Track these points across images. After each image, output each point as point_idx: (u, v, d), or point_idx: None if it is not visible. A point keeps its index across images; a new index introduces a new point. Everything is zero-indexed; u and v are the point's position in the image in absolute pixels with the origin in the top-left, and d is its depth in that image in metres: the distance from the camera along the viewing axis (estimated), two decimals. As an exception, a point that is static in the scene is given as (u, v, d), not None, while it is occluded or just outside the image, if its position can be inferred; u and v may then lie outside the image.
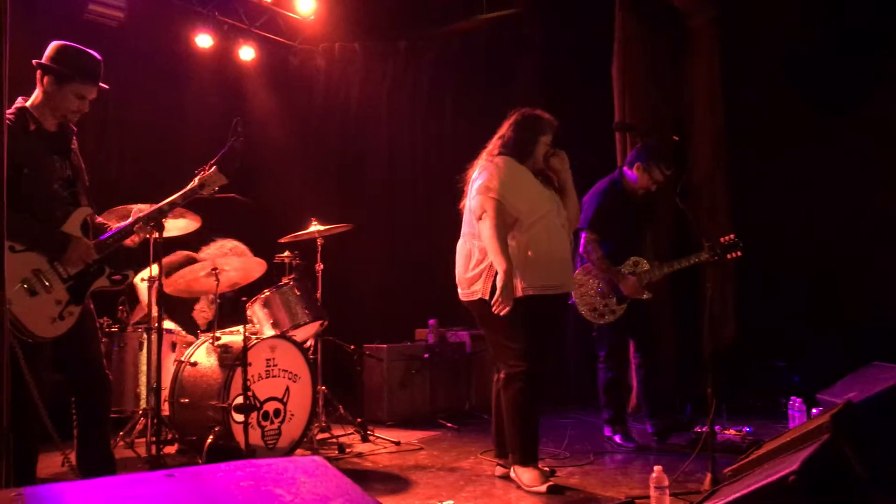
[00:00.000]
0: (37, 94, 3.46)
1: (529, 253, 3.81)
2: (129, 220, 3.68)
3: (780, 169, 6.29)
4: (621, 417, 4.99)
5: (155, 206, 3.74)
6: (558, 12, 7.29)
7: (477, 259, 3.91)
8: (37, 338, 3.21)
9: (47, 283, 3.29)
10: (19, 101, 3.44)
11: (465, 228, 4.06)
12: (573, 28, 7.27)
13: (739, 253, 4.53)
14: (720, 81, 6.43)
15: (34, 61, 3.45)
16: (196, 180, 3.82)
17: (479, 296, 3.88)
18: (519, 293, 3.76)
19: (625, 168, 5.03)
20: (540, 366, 3.89)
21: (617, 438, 4.91)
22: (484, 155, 4.07)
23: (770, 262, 6.12)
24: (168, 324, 5.29)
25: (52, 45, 3.48)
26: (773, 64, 6.35)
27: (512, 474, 3.89)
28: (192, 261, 5.16)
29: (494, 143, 4.06)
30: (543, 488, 3.71)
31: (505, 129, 4.07)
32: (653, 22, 6.57)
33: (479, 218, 3.82)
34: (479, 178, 3.90)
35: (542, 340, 3.92)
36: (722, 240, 4.53)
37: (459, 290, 4.04)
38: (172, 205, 3.78)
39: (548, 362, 4.12)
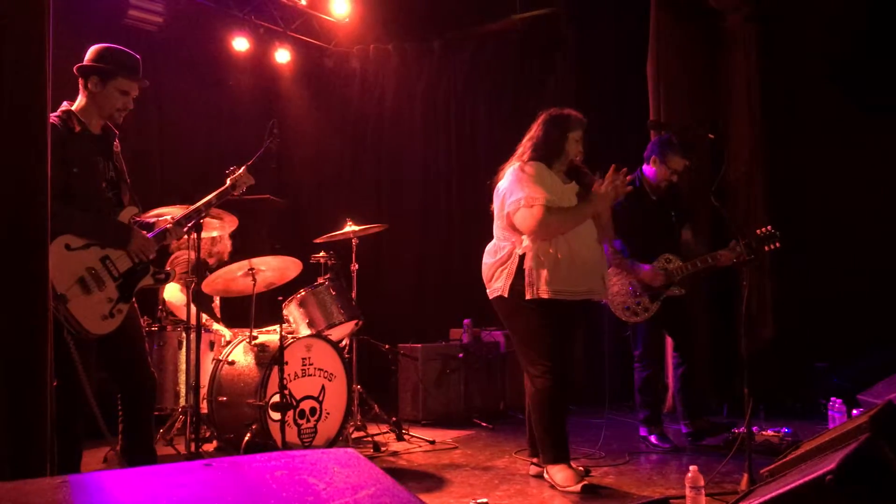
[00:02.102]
0: (80, 100, 3.54)
1: (555, 256, 3.79)
2: (170, 221, 3.76)
3: (820, 168, 6.19)
4: (657, 417, 4.95)
5: (191, 208, 3.82)
6: (593, 12, 7.26)
7: (500, 258, 3.95)
8: (88, 334, 3.28)
9: (101, 281, 3.36)
10: (65, 105, 3.53)
11: (494, 229, 4.08)
12: (608, 27, 7.24)
13: (778, 244, 4.46)
14: (758, 79, 6.35)
15: (77, 66, 3.53)
16: (228, 181, 3.91)
17: (499, 293, 3.91)
18: (546, 294, 3.76)
19: (643, 166, 5.00)
20: (563, 365, 3.87)
21: (653, 439, 4.87)
22: (513, 159, 4.06)
23: (808, 261, 6.03)
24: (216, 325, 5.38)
25: (93, 49, 3.57)
26: (812, 61, 6.26)
27: (545, 475, 3.88)
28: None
29: (524, 146, 4.05)
30: (577, 487, 3.68)
31: (534, 129, 4.06)
32: (688, 20, 6.52)
33: (533, 231, 3.79)
34: (514, 193, 3.84)
35: (562, 343, 3.90)
36: (758, 231, 4.47)
37: (487, 289, 4.08)
38: (208, 205, 3.86)
39: (567, 364, 4.08)
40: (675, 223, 4.97)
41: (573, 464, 3.87)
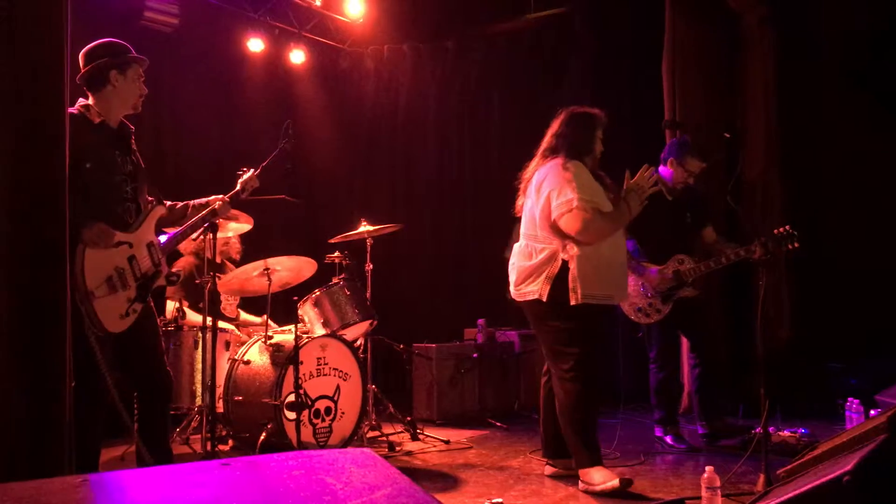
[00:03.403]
0: (96, 99, 3.55)
1: (600, 261, 3.75)
2: (187, 224, 3.79)
3: (837, 168, 6.15)
4: (673, 418, 4.93)
5: (209, 209, 3.85)
6: (607, 11, 7.24)
7: (538, 261, 3.83)
8: (106, 332, 3.31)
9: (125, 281, 3.40)
10: (80, 100, 3.55)
11: (523, 230, 3.98)
12: (622, 26, 7.22)
13: (797, 244, 4.39)
14: (774, 79, 6.31)
15: (90, 68, 3.53)
16: (238, 184, 3.97)
17: (535, 296, 3.81)
18: (591, 300, 3.71)
19: (659, 167, 4.97)
20: (593, 369, 3.82)
21: (668, 439, 4.86)
22: (543, 153, 3.96)
23: (826, 261, 5.99)
24: (221, 323, 5.39)
25: (87, 51, 3.56)
26: (829, 61, 6.21)
27: (580, 484, 3.77)
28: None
29: (550, 142, 3.95)
30: (616, 482, 3.61)
31: (559, 126, 3.96)
32: (704, 19, 6.49)
33: (581, 234, 3.69)
34: (563, 193, 3.71)
35: (594, 346, 3.86)
36: (776, 231, 4.41)
37: (513, 290, 3.97)
38: (223, 208, 3.89)
39: (598, 367, 4.04)
40: (690, 224, 4.94)
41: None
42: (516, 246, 4.02)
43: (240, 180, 3.97)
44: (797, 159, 6.26)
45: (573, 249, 3.74)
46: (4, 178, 2.68)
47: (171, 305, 5.14)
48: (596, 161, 3.99)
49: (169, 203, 3.90)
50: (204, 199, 3.92)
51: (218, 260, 5.46)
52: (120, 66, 3.54)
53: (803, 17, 6.26)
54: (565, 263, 3.75)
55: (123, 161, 3.59)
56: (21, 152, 2.73)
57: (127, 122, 3.67)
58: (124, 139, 3.64)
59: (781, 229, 4.42)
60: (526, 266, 3.89)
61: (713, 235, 4.99)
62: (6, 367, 2.59)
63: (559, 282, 3.74)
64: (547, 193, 3.78)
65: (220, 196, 3.93)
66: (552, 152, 3.91)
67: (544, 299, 3.77)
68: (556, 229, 3.78)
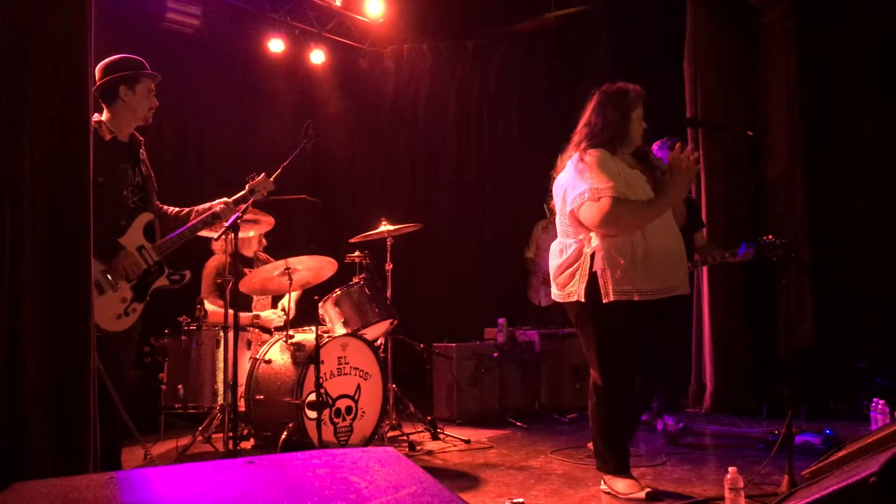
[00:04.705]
0: (109, 112, 3.66)
1: (632, 253, 3.47)
2: (185, 226, 3.84)
3: (860, 165, 6.08)
4: (673, 399, 4.91)
5: (209, 212, 3.91)
6: (628, 8, 7.21)
7: (567, 258, 3.64)
8: (104, 332, 3.38)
9: (114, 283, 3.49)
10: (95, 116, 3.61)
11: (558, 227, 3.79)
12: (643, 24, 7.18)
13: (776, 256, 4.30)
14: (796, 76, 6.26)
15: (101, 83, 3.61)
16: (246, 187, 4.01)
17: (575, 297, 3.59)
18: (624, 297, 3.45)
19: None
20: (634, 378, 3.73)
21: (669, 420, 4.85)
22: (571, 147, 3.71)
23: (849, 260, 5.93)
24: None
25: (102, 65, 3.66)
26: (852, 57, 6.16)
27: (603, 486, 3.71)
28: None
29: (580, 132, 3.69)
30: (642, 494, 3.52)
31: (589, 114, 3.67)
32: (725, 16, 6.46)
33: (601, 226, 3.45)
34: (576, 186, 3.49)
35: (644, 347, 3.69)
36: (763, 239, 4.33)
37: (553, 290, 3.80)
38: (224, 212, 3.93)
39: (651, 368, 3.91)
40: (686, 226, 4.87)
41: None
42: (553, 245, 3.84)
43: (248, 184, 4.02)
44: (820, 156, 6.20)
45: (595, 242, 3.52)
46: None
47: (209, 305, 5.19)
48: (636, 145, 3.69)
49: (174, 209, 3.99)
50: (207, 204, 3.98)
51: (249, 254, 5.52)
52: (129, 82, 3.65)
53: (826, 12, 6.21)
54: (593, 258, 3.54)
55: (133, 173, 3.69)
56: (47, 164, 2.76)
57: (137, 134, 3.77)
58: (134, 152, 3.74)
59: (765, 238, 4.31)
60: (557, 263, 3.72)
61: (703, 238, 4.85)
62: (32, 367, 2.62)
63: (592, 279, 3.52)
64: (564, 187, 3.62)
65: (223, 199, 3.98)
66: (576, 145, 3.67)
67: (583, 300, 3.55)
68: (579, 223, 3.57)
